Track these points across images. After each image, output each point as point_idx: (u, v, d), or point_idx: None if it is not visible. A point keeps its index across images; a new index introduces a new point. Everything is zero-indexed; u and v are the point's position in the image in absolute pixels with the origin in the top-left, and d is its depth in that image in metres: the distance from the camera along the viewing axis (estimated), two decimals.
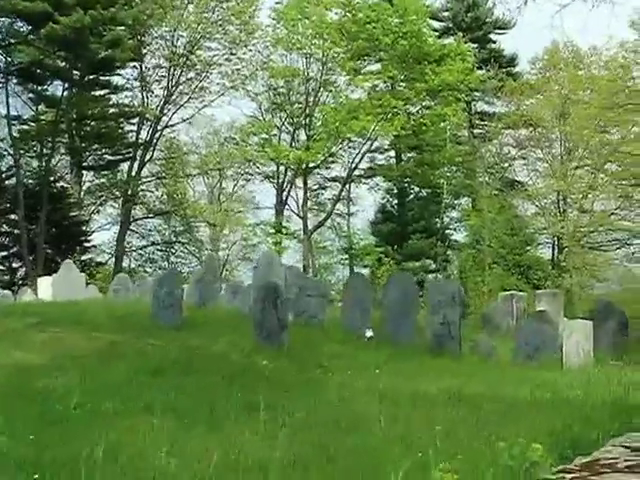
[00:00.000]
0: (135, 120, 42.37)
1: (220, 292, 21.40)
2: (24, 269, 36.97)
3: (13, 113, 38.44)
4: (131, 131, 42.82)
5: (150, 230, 47.38)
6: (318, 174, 43.07)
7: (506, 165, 43.58)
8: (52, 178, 40.12)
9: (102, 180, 43.91)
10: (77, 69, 38.11)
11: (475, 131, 44.24)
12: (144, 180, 43.84)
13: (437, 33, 45.04)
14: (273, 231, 39.73)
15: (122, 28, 36.27)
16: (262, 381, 9.71)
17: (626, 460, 5.95)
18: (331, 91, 39.92)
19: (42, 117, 40.55)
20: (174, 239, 47.17)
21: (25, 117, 40.03)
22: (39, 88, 38.33)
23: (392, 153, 43.52)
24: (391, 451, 5.75)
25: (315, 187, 43.95)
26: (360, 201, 45.70)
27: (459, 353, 14.22)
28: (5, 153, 39.02)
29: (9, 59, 36.71)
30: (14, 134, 37.81)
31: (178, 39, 41.42)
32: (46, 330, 13.24)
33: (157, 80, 42.91)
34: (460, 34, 42.82)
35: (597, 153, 38.41)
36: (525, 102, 41.61)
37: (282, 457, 5.61)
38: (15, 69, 36.42)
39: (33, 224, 37.32)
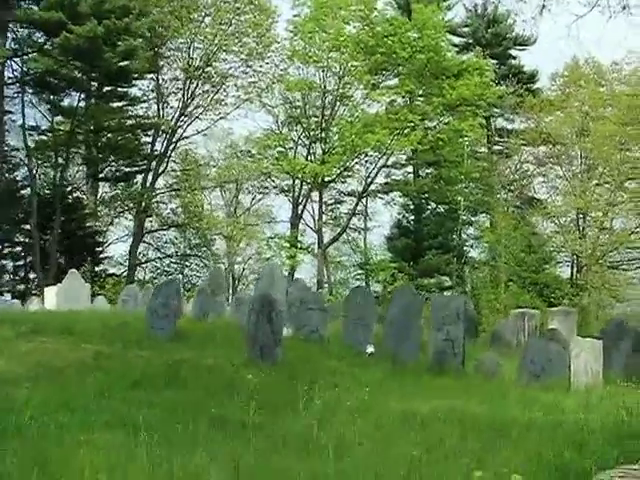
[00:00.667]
0: (151, 132, 42.21)
1: (226, 305, 21.09)
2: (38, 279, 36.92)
3: (31, 124, 38.71)
4: (147, 143, 42.68)
5: (165, 242, 47.23)
6: (334, 188, 42.65)
7: (525, 182, 43.01)
8: (67, 189, 40.17)
9: (117, 191, 43.72)
10: (93, 79, 38.04)
11: (494, 148, 43.73)
12: (158, 192, 43.66)
13: (457, 49, 44.78)
14: (288, 245, 39.27)
15: (138, 39, 36.10)
16: (245, 398, 9.20)
17: None
18: (348, 105, 39.51)
19: (60, 128, 40.52)
20: (189, 252, 46.88)
21: (43, 128, 40.04)
22: (55, 98, 38.22)
23: (409, 168, 43.08)
24: None
25: (331, 201, 43.52)
26: (377, 216, 45.36)
27: (462, 371, 13.65)
28: (21, 163, 39.05)
29: (25, 69, 36.78)
30: (30, 144, 37.85)
31: (195, 51, 41.33)
32: (34, 339, 12.91)
33: (173, 92, 42.85)
34: (479, 49, 42.46)
35: (617, 170, 37.76)
36: (545, 119, 41.05)
37: None
38: (30, 79, 36.42)
39: (47, 234, 37.34)
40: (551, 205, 41.15)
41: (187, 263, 46.93)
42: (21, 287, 38.75)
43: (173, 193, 45.16)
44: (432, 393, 10.87)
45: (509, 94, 40.24)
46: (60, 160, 38.84)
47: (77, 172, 44.57)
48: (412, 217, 41.69)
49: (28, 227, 37.78)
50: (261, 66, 41.24)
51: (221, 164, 47.38)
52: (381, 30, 37.05)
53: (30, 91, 37.90)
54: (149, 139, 42.62)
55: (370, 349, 14.22)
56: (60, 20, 31.56)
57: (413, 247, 39.56)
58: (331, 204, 43.65)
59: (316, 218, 40.83)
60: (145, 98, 42.58)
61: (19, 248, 39.50)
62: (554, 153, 41.16)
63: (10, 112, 38.21)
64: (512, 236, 35.17)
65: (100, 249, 40.77)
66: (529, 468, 5.27)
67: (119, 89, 40.60)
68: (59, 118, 40.91)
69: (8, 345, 12.37)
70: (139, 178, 43.26)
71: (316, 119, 39.29)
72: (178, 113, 42.11)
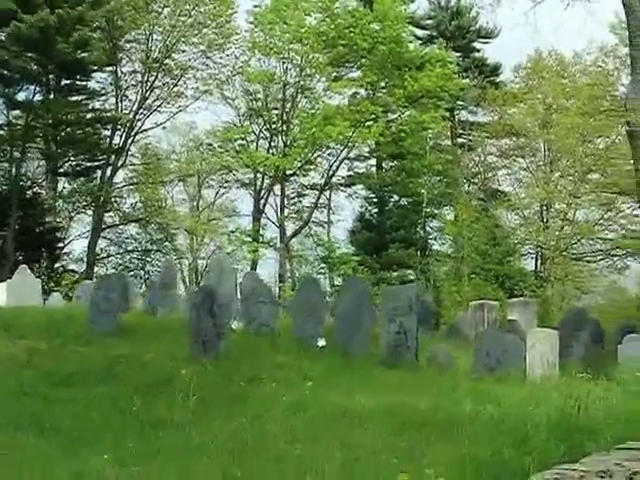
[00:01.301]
0: (110, 125, 41.41)
1: (179, 300, 20.56)
2: None
3: None
4: (106, 136, 41.87)
5: (127, 238, 46.44)
6: (296, 182, 42.15)
7: (489, 175, 42.90)
8: (24, 184, 39.23)
9: (75, 186, 42.86)
10: (49, 72, 37.13)
11: (458, 140, 43.52)
12: (117, 186, 42.88)
13: (421, 41, 44.53)
14: (249, 239, 38.70)
15: (94, 30, 35.27)
16: (180, 395, 8.70)
17: None
18: (309, 97, 39.03)
19: (17, 122, 39.55)
20: (151, 247, 46.11)
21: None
22: (9, 91, 37.25)
23: (372, 161, 42.73)
24: None
25: (293, 195, 43.06)
26: (340, 210, 44.91)
27: (415, 365, 13.24)
28: None
29: None
30: None
31: (153, 43, 40.53)
32: None
33: (132, 85, 42.04)
34: (442, 41, 42.19)
35: (580, 162, 37.74)
36: (508, 111, 40.98)
37: None
38: None
39: (4, 230, 36.46)
40: (515, 197, 41.06)
41: (149, 258, 46.14)
42: None
43: (132, 187, 44.40)
44: (381, 387, 10.46)
45: (472, 86, 40.07)
46: (17, 155, 37.97)
47: (36, 167, 43.64)
48: (375, 210, 41.32)
49: None
50: (221, 58, 40.59)
51: (183, 158, 46.75)
52: (342, 22, 36.61)
53: None
54: (108, 133, 41.84)
55: (321, 342, 13.77)
56: (10, 8, 30.64)
57: (376, 240, 39.17)
58: (293, 197, 43.20)
59: (278, 212, 40.39)
60: (104, 91, 41.75)
61: None
62: (518, 145, 41.13)
63: None
64: (475, 228, 35.00)
65: (60, 245, 39.90)
66: (460, 468, 4.83)
67: (77, 82, 39.66)
68: (16, 112, 39.98)
69: None
70: (99, 173, 42.47)
71: (277, 112, 38.77)
72: (137, 106, 41.36)
